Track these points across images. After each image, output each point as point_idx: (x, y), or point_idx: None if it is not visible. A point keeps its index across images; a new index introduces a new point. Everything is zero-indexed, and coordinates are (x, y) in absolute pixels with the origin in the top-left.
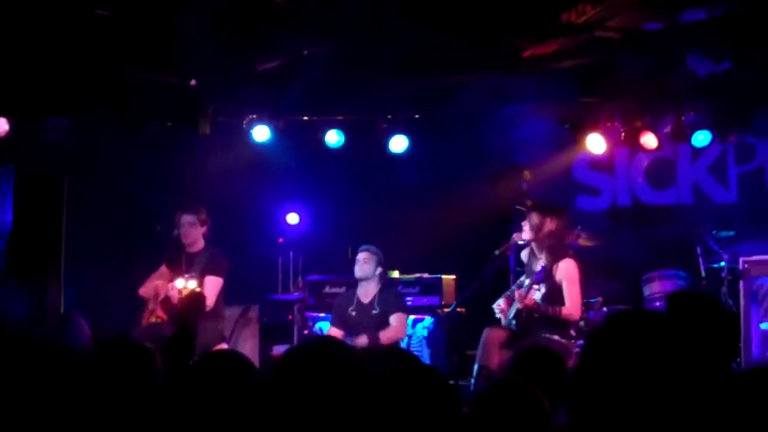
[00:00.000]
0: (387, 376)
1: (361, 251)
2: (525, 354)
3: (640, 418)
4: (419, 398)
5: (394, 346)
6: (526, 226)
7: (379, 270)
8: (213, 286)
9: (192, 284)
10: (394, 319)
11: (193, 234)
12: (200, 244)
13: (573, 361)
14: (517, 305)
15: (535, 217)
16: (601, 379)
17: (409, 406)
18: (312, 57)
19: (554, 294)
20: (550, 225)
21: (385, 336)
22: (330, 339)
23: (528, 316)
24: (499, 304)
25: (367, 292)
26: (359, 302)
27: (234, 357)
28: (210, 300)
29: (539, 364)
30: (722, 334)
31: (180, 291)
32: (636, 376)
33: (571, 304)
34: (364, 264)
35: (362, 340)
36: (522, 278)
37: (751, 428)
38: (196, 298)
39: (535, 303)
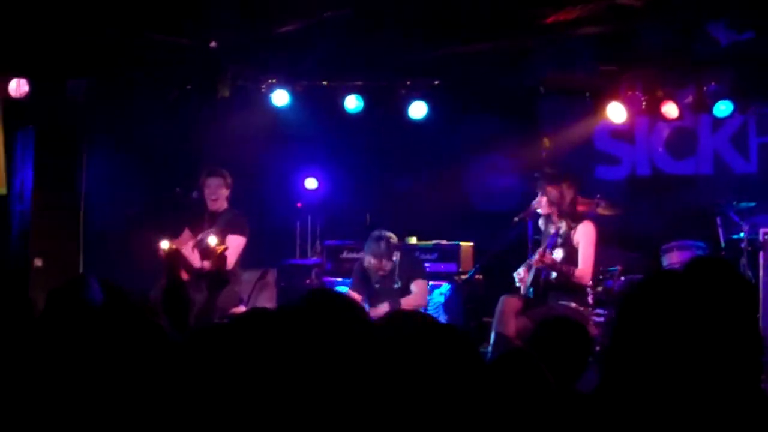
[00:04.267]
0: (406, 335)
1: (369, 257)
2: (548, 324)
3: (675, 384)
4: (439, 356)
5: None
6: (543, 200)
7: (394, 255)
8: (235, 244)
9: (212, 239)
10: (414, 286)
11: (221, 196)
12: (224, 205)
13: (592, 329)
14: (534, 271)
15: (553, 191)
16: (638, 344)
17: (428, 364)
18: (333, 19)
19: (572, 258)
20: (568, 193)
21: (407, 303)
22: (336, 294)
23: (545, 284)
24: (519, 273)
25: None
26: (381, 274)
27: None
28: (231, 260)
29: (562, 334)
30: (743, 301)
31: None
32: (671, 341)
33: (584, 266)
34: (384, 270)
35: (383, 308)
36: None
37: None
38: (172, 255)
39: (553, 260)
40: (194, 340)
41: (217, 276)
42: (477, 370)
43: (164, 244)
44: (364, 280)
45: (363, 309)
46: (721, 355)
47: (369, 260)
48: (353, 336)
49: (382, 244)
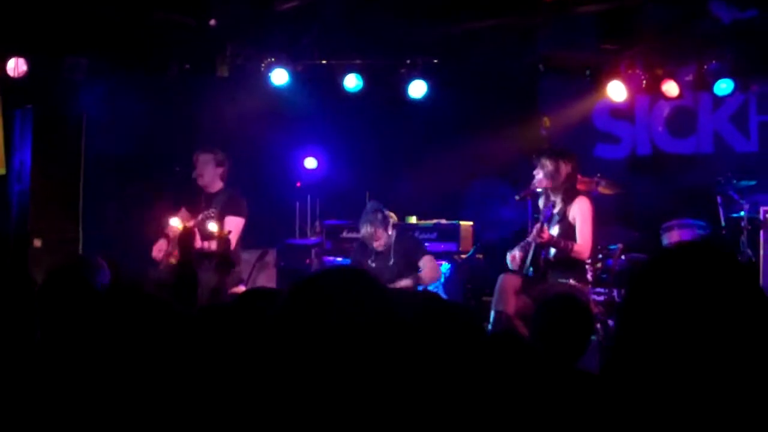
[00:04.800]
0: (417, 313)
1: (366, 225)
2: (550, 301)
3: (686, 363)
4: (449, 333)
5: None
6: (539, 174)
7: (390, 228)
8: (234, 226)
9: (213, 226)
10: (423, 262)
11: (210, 173)
12: (218, 184)
13: (592, 307)
14: (533, 248)
15: (549, 164)
16: (646, 324)
17: (439, 341)
18: None
19: (569, 234)
20: (565, 169)
21: (426, 277)
22: (360, 270)
23: (545, 262)
24: (512, 254)
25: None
26: (377, 252)
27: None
28: (231, 241)
29: (564, 312)
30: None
31: (214, 233)
32: (681, 320)
33: (582, 241)
34: (379, 240)
35: (406, 282)
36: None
37: None
38: (186, 234)
39: (551, 236)
40: (206, 318)
41: (224, 259)
42: (477, 350)
43: (175, 222)
44: (361, 257)
45: (384, 285)
46: (733, 337)
47: (365, 229)
48: (376, 314)
49: (379, 215)
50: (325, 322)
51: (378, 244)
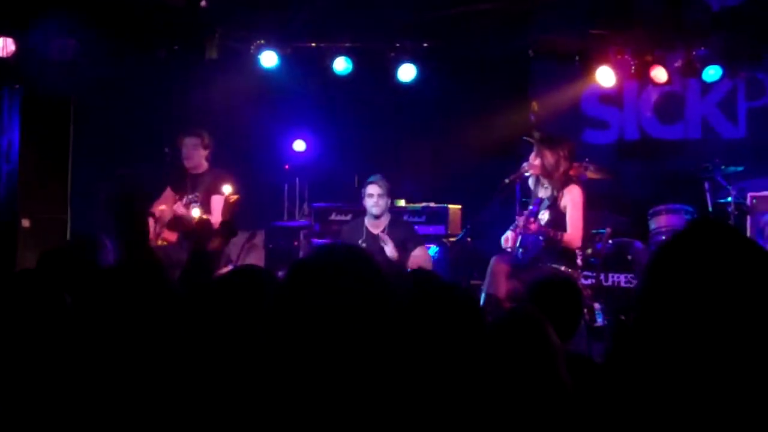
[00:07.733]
0: (412, 291)
1: (372, 184)
2: (541, 284)
3: (705, 352)
4: (446, 313)
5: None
6: (536, 161)
7: (388, 214)
8: (221, 204)
9: (196, 213)
10: (418, 251)
11: (197, 156)
12: (204, 166)
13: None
14: (522, 233)
15: (550, 156)
16: (665, 311)
17: (436, 321)
18: None
19: (559, 221)
20: (564, 164)
21: (414, 262)
22: (357, 248)
23: (534, 245)
24: (506, 237)
25: (377, 224)
26: (369, 234)
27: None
28: (217, 219)
29: (555, 294)
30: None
31: (194, 219)
32: (702, 307)
33: (572, 230)
34: (380, 199)
35: (391, 250)
36: (529, 207)
37: None
38: (203, 224)
39: (538, 227)
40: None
41: (227, 225)
42: (481, 328)
43: (195, 213)
44: (351, 238)
45: (378, 264)
46: (752, 325)
47: (374, 187)
48: (369, 292)
49: (389, 184)
50: (323, 299)
51: (379, 207)
